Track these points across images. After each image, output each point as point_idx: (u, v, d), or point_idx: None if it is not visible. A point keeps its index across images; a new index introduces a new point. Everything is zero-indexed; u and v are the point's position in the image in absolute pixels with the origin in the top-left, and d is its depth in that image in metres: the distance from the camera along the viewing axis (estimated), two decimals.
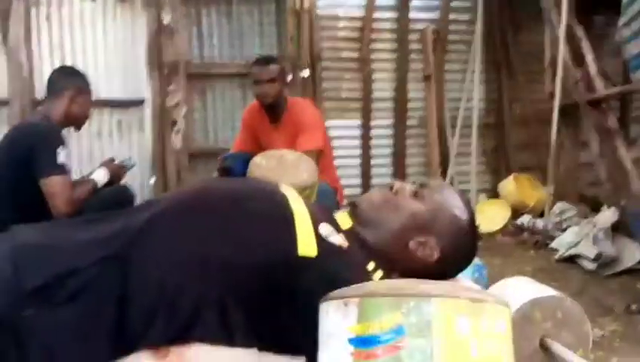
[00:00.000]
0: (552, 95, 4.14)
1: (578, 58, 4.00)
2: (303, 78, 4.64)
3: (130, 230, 1.00)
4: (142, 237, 0.99)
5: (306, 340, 0.95)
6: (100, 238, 0.99)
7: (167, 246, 0.98)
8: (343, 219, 1.15)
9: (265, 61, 3.11)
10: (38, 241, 1.01)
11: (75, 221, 1.09)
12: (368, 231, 1.10)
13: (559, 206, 4.15)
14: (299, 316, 0.96)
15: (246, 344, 0.97)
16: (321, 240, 1.02)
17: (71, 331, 0.93)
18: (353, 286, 0.85)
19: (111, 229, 1.01)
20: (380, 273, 1.05)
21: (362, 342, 0.73)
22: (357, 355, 0.73)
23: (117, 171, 2.77)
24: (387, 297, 0.75)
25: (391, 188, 1.16)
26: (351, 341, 0.74)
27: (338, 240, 1.05)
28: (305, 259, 0.98)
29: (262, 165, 2.08)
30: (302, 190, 1.91)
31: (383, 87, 5.03)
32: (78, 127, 2.75)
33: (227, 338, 0.97)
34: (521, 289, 2.05)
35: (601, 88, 3.73)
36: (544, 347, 1.92)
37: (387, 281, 0.98)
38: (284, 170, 2.07)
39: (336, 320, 0.78)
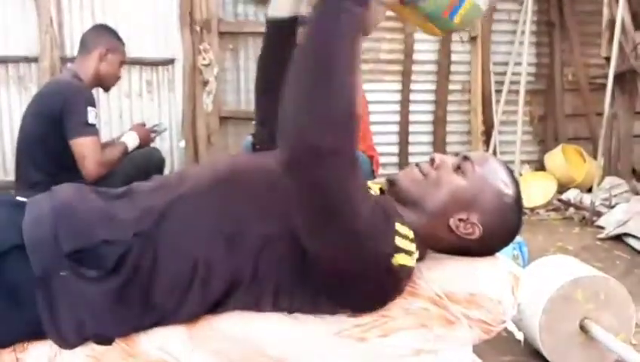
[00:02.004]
0: (607, 60, 4.03)
1: (638, 19, 3.87)
2: None
3: (160, 207, 1.04)
4: (171, 216, 1.03)
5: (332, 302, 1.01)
6: (134, 214, 1.04)
7: (198, 225, 1.02)
8: (374, 188, 1.17)
9: (300, 22, 3.08)
10: (78, 206, 1.06)
11: (111, 192, 1.13)
12: (407, 210, 1.10)
13: (609, 180, 4.07)
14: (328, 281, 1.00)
15: (276, 309, 1.03)
16: None
17: (101, 306, 0.99)
18: None
19: (143, 205, 1.05)
20: (417, 254, 1.06)
21: None
22: None
23: (147, 136, 2.83)
24: None
25: (432, 161, 1.14)
26: None
27: None
28: None
29: None
30: None
31: (425, 48, 4.95)
32: (107, 87, 2.81)
33: (256, 306, 1.02)
34: (563, 268, 2.05)
35: None
36: (584, 329, 1.93)
37: None
38: None
39: None
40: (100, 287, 0.99)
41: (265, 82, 1.28)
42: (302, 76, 0.90)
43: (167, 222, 1.02)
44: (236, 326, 1.03)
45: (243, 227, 1.01)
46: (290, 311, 1.04)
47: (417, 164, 1.15)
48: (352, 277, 0.98)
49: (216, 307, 1.02)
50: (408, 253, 1.01)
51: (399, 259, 0.98)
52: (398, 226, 1.01)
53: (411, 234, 1.03)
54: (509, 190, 1.13)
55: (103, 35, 2.73)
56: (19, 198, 1.12)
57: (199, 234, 1.01)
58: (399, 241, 1.00)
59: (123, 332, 1.01)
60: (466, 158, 1.14)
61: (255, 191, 1.05)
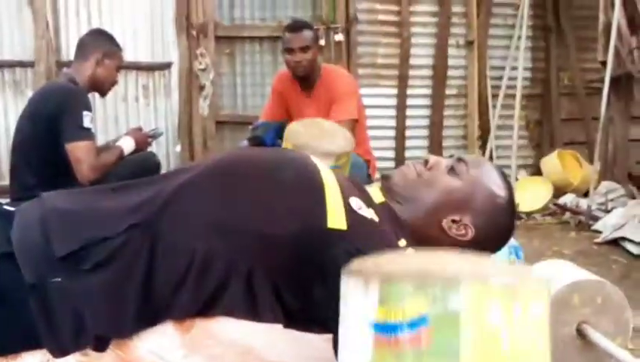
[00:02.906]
0: (604, 64, 4.04)
1: (634, 24, 3.88)
2: (337, 42, 4.61)
3: (160, 197, 1.03)
4: (171, 205, 1.02)
5: (335, 317, 0.98)
6: (129, 206, 1.03)
7: (198, 214, 1.01)
8: (376, 192, 1.16)
9: (297, 27, 3.08)
10: (67, 209, 1.05)
11: (103, 188, 1.13)
12: (400, 207, 1.11)
13: (605, 185, 4.07)
14: (327, 291, 0.99)
15: (272, 319, 1.01)
16: (351, 213, 1.03)
17: (99, 298, 0.98)
18: (375, 259, 0.82)
19: (140, 197, 1.04)
20: (411, 251, 1.07)
21: (383, 328, 0.70)
22: (378, 341, 0.71)
23: (144, 140, 2.83)
24: (410, 282, 0.71)
25: (426, 162, 1.15)
26: (372, 325, 0.72)
27: (369, 213, 1.06)
28: (334, 231, 1.00)
29: (299, 132, 2.10)
30: (338, 157, 1.93)
31: (422, 53, 4.96)
32: (103, 92, 2.80)
33: (253, 313, 1.00)
34: (560, 273, 2.05)
35: None
36: (581, 333, 1.92)
37: (412, 256, 0.96)
38: (320, 136, 2.09)
39: (357, 299, 0.76)
40: (97, 277, 0.97)
41: None
42: None
43: (167, 212, 1.01)
44: (231, 331, 1.02)
45: (244, 222, 1.00)
46: (286, 326, 1.02)
47: (412, 163, 1.16)
48: None
49: (212, 302, 1.00)
50: None
51: None
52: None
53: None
54: (503, 193, 1.14)
55: (100, 40, 2.73)
56: (6, 208, 1.11)
57: (198, 224, 1.00)
58: None
59: (121, 330, 0.99)
60: (460, 160, 1.15)
61: (258, 184, 1.04)
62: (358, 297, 0.75)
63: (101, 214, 1.03)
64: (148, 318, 1.00)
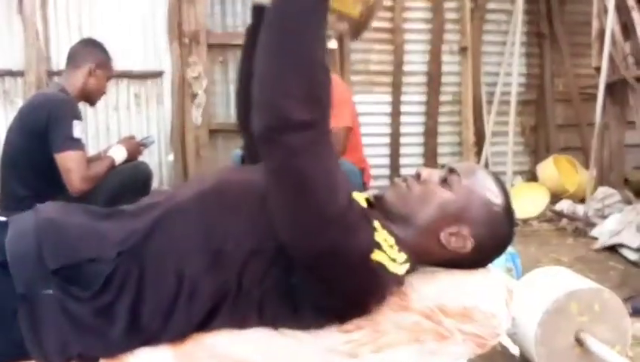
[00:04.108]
0: (598, 70, 4.06)
1: (628, 30, 3.90)
2: (330, 49, 4.62)
3: (149, 223, 1.03)
4: (159, 232, 1.02)
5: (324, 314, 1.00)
6: (121, 233, 1.03)
7: (185, 240, 1.01)
8: (360, 200, 1.15)
9: None
10: (63, 222, 1.05)
11: (98, 210, 1.12)
12: (396, 227, 1.09)
13: (602, 191, 4.09)
14: (317, 293, 0.99)
15: (261, 323, 1.02)
16: None
17: (86, 319, 0.98)
18: None
19: (132, 224, 1.04)
20: (407, 266, 1.06)
21: None
22: None
23: (136, 149, 2.81)
24: None
25: (418, 176, 1.14)
26: None
27: None
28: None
29: None
30: None
31: (416, 59, 4.98)
32: (93, 102, 2.79)
33: (242, 321, 1.01)
34: (557, 280, 2.04)
35: None
36: (580, 341, 1.92)
37: None
38: None
39: None
40: (86, 307, 0.97)
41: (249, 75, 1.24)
42: (271, 48, 0.91)
43: (153, 240, 1.01)
44: (224, 344, 1.02)
45: (229, 242, 1.00)
46: (275, 326, 1.02)
47: (405, 179, 1.14)
48: (329, 272, 0.95)
49: (203, 326, 1.01)
50: (390, 256, 1.00)
51: (378, 256, 0.97)
52: (378, 226, 1.01)
53: (392, 241, 1.02)
54: (498, 199, 1.13)
55: (93, 50, 2.71)
56: (0, 218, 1.10)
57: (185, 250, 1.00)
58: (378, 238, 0.99)
59: (108, 353, 0.99)
60: (452, 171, 1.14)
61: (242, 205, 1.04)
62: None
63: (95, 235, 1.03)
64: (136, 342, 1.00)
